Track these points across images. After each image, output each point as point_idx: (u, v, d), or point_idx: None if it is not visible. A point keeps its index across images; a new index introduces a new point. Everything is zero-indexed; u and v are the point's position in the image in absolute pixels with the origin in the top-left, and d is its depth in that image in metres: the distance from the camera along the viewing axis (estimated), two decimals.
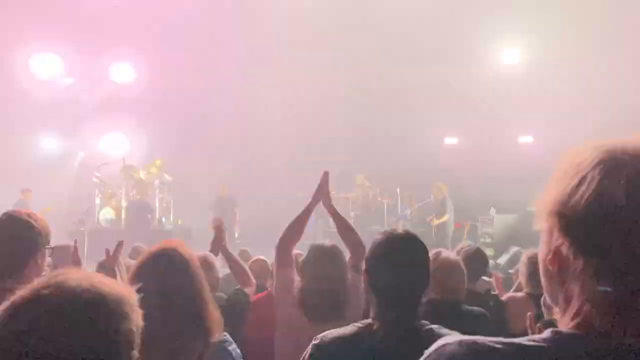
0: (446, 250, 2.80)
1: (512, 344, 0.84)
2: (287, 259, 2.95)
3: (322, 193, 3.11)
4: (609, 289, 0.79)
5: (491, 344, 0.85)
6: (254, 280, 3.41)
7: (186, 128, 13.28)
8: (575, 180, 0.82)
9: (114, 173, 12.61)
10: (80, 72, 13.64)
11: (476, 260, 3.43)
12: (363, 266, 1.85)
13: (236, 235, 11.66)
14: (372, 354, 1.63)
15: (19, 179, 11.28)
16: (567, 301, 0.87)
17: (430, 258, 2.66)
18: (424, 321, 1.74)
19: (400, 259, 1.75)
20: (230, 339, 2.04)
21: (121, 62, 13.98)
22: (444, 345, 0.89)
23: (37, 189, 11.18)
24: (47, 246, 2.00)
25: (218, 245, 3.51)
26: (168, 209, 12.67)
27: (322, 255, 2.74)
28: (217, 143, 13.07)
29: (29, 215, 1.94)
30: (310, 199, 3.08)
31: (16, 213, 1.94)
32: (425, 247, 1.81)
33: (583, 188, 0.80)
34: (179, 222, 12.60)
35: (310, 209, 3.08)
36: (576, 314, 0.85)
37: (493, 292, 3.40)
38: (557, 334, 0.85)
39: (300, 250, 3.43)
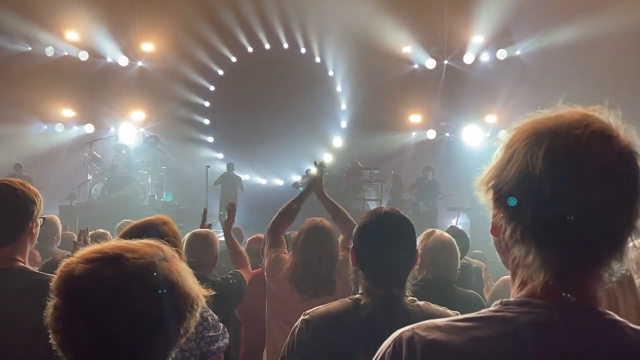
0: (439, 230, 2.81)
1: (466, 318, 0.89)
2: (277, 240, 3.00)
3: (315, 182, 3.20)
4: (531, 256, 0.84)
5: (446, 322, 0.89)
6: (249, 266, 3.45)
7: None
8: (507, 156, 0.88)
9: (106, 149, 12.52)
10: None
11: (457, 238, 3.46)
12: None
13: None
14: (359, 329, 1.63)
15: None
16: (514, 270, 0.90)
17: (424, 237, 2.67)
18: (412, 297, 1.75)
19: (387, 235, 1.75)
20: (207, 307, 2.04)
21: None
22: (400, 333, 0.91)
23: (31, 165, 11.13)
24: (40, 216, 1.99)
25: (229, 226, 3.57)
26: (160, 186, 12.59)
27: (314, 232, 2.76)
28: None
29: (22, 184, 1.93)
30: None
31: (10, 182, 1.92)
32: (412, 224, 1.80)
33: (511, 162, 0.86)
34: (173, 200, 12.50)
35: (304, 197, 3.13)
36: (522, 283, 0.88)
37: (475, 266, 3.43)
38: (505, 304, 0.88)
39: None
